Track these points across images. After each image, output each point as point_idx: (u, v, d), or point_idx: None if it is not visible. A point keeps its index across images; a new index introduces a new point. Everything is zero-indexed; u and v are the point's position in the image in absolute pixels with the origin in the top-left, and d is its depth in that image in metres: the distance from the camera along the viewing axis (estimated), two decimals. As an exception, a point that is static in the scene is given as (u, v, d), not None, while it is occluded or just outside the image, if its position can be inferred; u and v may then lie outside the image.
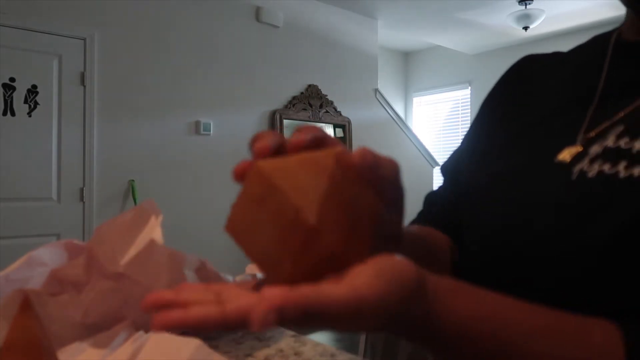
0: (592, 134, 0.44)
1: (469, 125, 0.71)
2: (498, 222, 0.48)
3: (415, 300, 0.29)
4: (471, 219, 0.53)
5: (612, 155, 0.41)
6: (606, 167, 0.40)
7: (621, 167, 0.39)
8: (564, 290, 0.40)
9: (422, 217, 0.64)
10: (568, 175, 0.43)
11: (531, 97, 0.55)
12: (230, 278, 0.54)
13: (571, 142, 0.45)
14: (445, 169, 0.66)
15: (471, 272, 0.52)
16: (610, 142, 0.42)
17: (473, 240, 0.52)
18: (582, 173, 0.42)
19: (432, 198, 0.66)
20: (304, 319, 0.24)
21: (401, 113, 6.41)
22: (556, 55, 0.59)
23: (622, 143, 0.41)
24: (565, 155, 0.45)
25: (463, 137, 0.65)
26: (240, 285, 0.30)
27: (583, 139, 0.45)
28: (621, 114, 0.43)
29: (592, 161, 0.42)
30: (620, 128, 0.42)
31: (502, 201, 0.49)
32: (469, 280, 0.52)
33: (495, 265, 0.47)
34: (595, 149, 0.42)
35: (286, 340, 0.54)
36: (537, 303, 0.38)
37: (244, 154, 3.79)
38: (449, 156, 0.67)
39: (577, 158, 0.43)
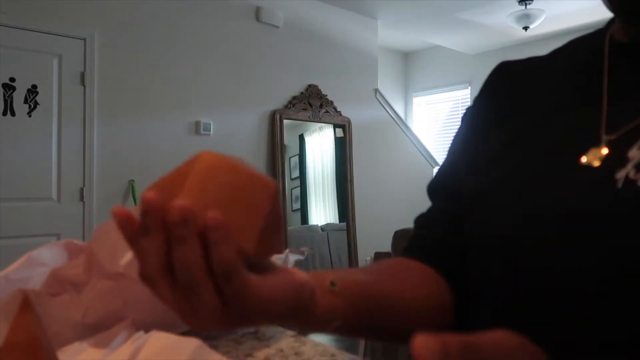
0: (615, 135, 0.43)
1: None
2: (508, 229, 0.46)
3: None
4: (474, 229, 0.51)
5: None
6: None
7: None
8: (595, 302, 0.38)
9: (414, 244, 0.59)
10: (609, 182, 0.40)
11: (520, 100, 0.54)
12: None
13: (591, 144, 0.43)
14: (435, 189, 0.60)
15: (480, 285, 0.50)
16: None
17: (480, 248, 0.50)
18: (630, 181, 0.39)
19: (423, 221, 0.60)
20: None
21: (401, 113, 6.40)
22: (535, 59, 0.58)
23: None
24: (591, 158, 0.43)
25: (447, 154, 0.61)
26: None
27: (606, 140, 0.43)
28: None
29: (639, 169, 0.39)
30: None
31: (513, 207, 0.46)
32: (479, 301, 0.49)
33: (508, 274, 0.45)
34: (636, 154, 0.40)
35: (286, 340, 0.54)
36: (561, 318, 0.38)
37: (244, 154, 3.79)
38: (434, 176, 0.62)
39: (611, 163, 0.41)
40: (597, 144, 0.43)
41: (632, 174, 0.39)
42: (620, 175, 0.40)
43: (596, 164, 0.42)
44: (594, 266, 0.39)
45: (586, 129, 0.45)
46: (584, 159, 0.43)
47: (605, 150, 0.42)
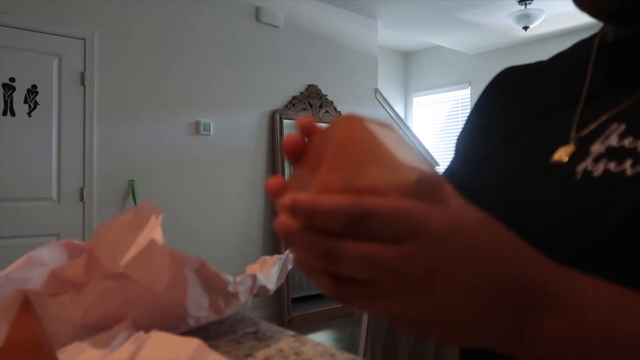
0: (584, 132, 0.44)
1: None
2: None
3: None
4: None
5: (616, 154, 0.41)
6: (612, 166, 0.40)
7: (627, 165, 0.39)
8: None
9: None
10: (571, 175, 0.43)
11: (515, 104, 0.56)
12: (230, 278, 0.54)
13: (563, 142, 0.45)
14: None
15: None
16: (613, 141, 0.42)
17: None
18: (587, 172, 0.42)
19: None
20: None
21: (401, 113, 6.41)
22: (537, 64, 0.60)
23: (627, 142, 0.41)
24: (561, 155, 0.45)
25: (450, 160, 0.63)
26: None
27: (575, 137, 0.45)
28: (613, 112, 0.44)
29: (596, 160, 0.42)
30: (622, 127, 0.42)
31: (494, 208, 0.48)
32: None
33: None
34: (597, 148, 0.42)
35: (286, 340, 0.54)
36: None
37: (244, 154, 3.79)
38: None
39: (576, 157, 0.43)
40: (567, 142, 0.45)
41: (590, 166, 0.42)
42: (580, 168, 0.42)
43: (565, 160, 0.44)
44: (554, 256, 0.41)
45: (561, 130, 0.47)
46: (555, 157, 0.45)
47: (572, 147, 0.44)
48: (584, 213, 0.40)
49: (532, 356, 0.30)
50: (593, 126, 0.44)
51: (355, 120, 0.27)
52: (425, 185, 0.26)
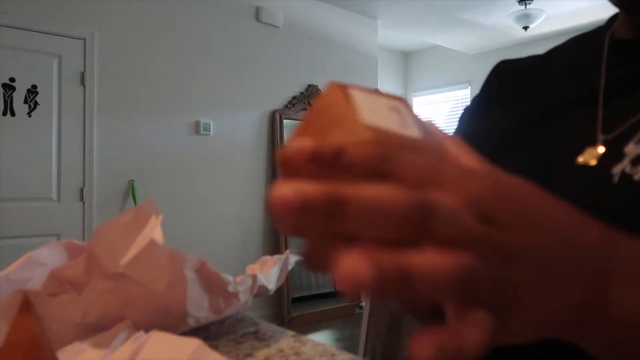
0: (613, 133, 0.42)
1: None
2: None
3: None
4: None
5: None
6: None
7: None
8: None
9: None
10: (606, 178, 0.40)
11: (517, 99, 0.54)
12: (230, 278, 0.54)
13: (588, 143, 0.43)
14: None
15: None
16: None
17: None
18: (626, 175, 0.39)
19: None
20: None
21: (401, 113, 6.39)
22: (533, 58, 0.58)
23: None
24: (587, 157, 0.42)
25: None
26: None
27: (603, 139, 0.43)
28: None
29: (635, 163, 0.39)
30: None
31: None
32: None
33: None
34: (632, 150, 0.40)
35: (286, 340, 0.54)
36: None
37: (244, 154, 3.79)
38: None
39: (607, 160, 0.41)
40: (593, 144, 0.43)
41: (628, 169, 0.39)
42: (617, 170, 0.40)
43: (593, 163, 0.42)
44: None
45: (582, 129, 0.44)
46: (580, 159, 0.43)
47: (601, 149, 0.42)
48: (626, 217, 0.37)
49: (596, 336, 0.25)
50: (621, 128, 0.42)
51: (335, 87, 0.26)
52: (388, 147, 0.23)
